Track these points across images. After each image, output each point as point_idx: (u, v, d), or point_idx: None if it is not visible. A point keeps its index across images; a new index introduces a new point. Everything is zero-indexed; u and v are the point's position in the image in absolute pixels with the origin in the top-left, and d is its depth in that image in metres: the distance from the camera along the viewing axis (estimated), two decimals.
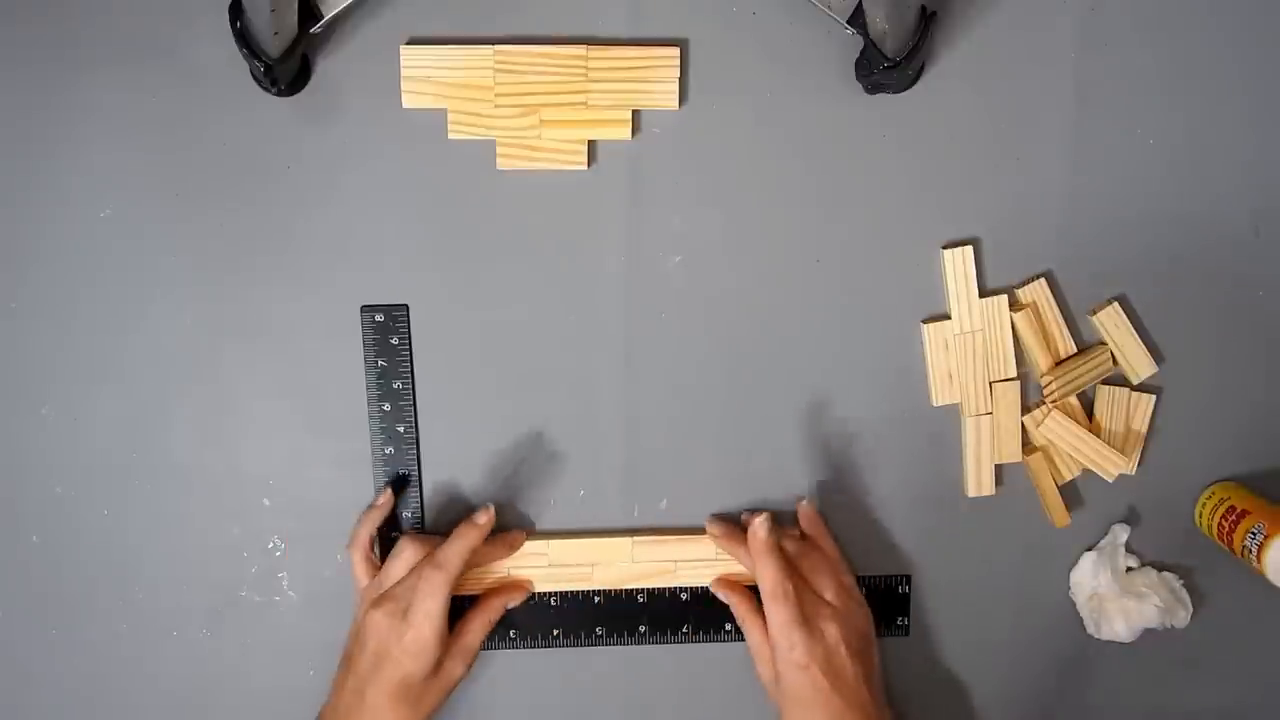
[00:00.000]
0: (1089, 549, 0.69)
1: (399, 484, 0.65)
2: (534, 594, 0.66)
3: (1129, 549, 0.69)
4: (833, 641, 0.60)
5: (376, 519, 0.64)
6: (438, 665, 0.60)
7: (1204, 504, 0.68)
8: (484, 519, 0.63)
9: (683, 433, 0.66)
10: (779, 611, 0.60)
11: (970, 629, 0.69)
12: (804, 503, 0.67)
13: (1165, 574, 0.69)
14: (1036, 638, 0.69)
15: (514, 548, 0.66)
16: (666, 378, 0.66)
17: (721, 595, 0.66)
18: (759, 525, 0.61)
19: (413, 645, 0.59)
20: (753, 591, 0.64)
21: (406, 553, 0.62)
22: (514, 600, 0.65)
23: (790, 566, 0.62)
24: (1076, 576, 0.68)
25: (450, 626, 0.61)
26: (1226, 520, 0.65)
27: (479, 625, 0.63)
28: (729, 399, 0.66)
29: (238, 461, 0.65)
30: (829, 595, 0.62)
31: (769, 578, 0.61)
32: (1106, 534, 0.69)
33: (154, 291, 0.63)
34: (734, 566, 0.66)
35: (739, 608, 0.65)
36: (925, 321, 0.66)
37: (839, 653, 0.60)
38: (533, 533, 0.67)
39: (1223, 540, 0.66)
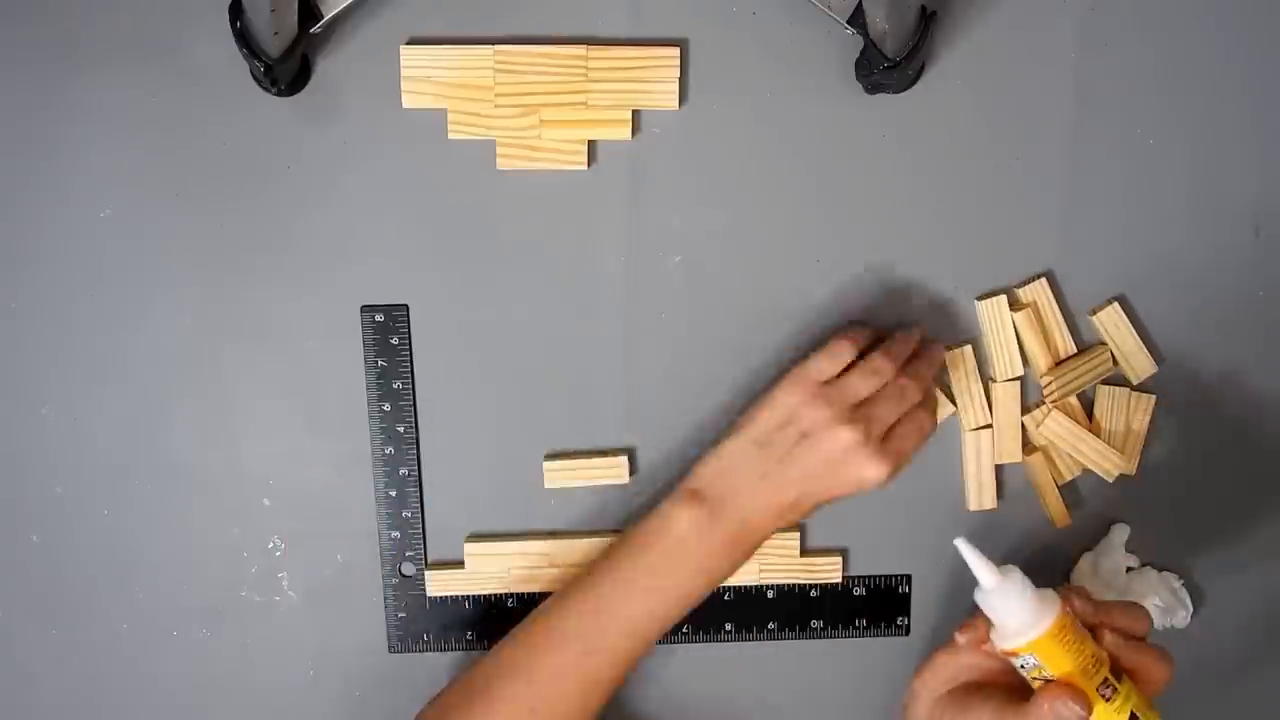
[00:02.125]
0: (1089, 549, 0.69)
1: (397, 498, 0.65)
2: (534, 594, 0.66)
3: (1129, 549, 0.69)
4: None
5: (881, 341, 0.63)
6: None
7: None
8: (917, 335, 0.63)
9: (683, 433, 0.66)
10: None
11: None
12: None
13: (1165, 574, 0.69)
14: None
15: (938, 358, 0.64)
16: (666, 377, 0.66)
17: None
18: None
19: (881, 478, 0.58)
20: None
21: (884, 369, 0.60)
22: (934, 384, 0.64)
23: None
24: (1076, 576, 0.68)
25: None
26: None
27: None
28: (729, 399, 0.66)
29: (238, 461, 0.65)
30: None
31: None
32: (1106, 534, 0.69)
33: (154, 291, 0.63)
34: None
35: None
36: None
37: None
38: (536, 532, 0.67)
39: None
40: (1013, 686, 0.55)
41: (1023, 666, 0.52)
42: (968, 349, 0.66)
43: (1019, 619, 0.52)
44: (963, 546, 0.53)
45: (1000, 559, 0.68)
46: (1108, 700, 0.50)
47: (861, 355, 0.61)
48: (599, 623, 0.60)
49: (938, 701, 0.58)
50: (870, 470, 0.58)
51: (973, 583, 0.54)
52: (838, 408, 0.59)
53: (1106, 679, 0.51)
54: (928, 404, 0.62)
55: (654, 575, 0.60)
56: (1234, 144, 0.66)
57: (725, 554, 0.60)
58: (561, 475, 0.66)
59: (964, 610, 0.69)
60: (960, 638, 0.57)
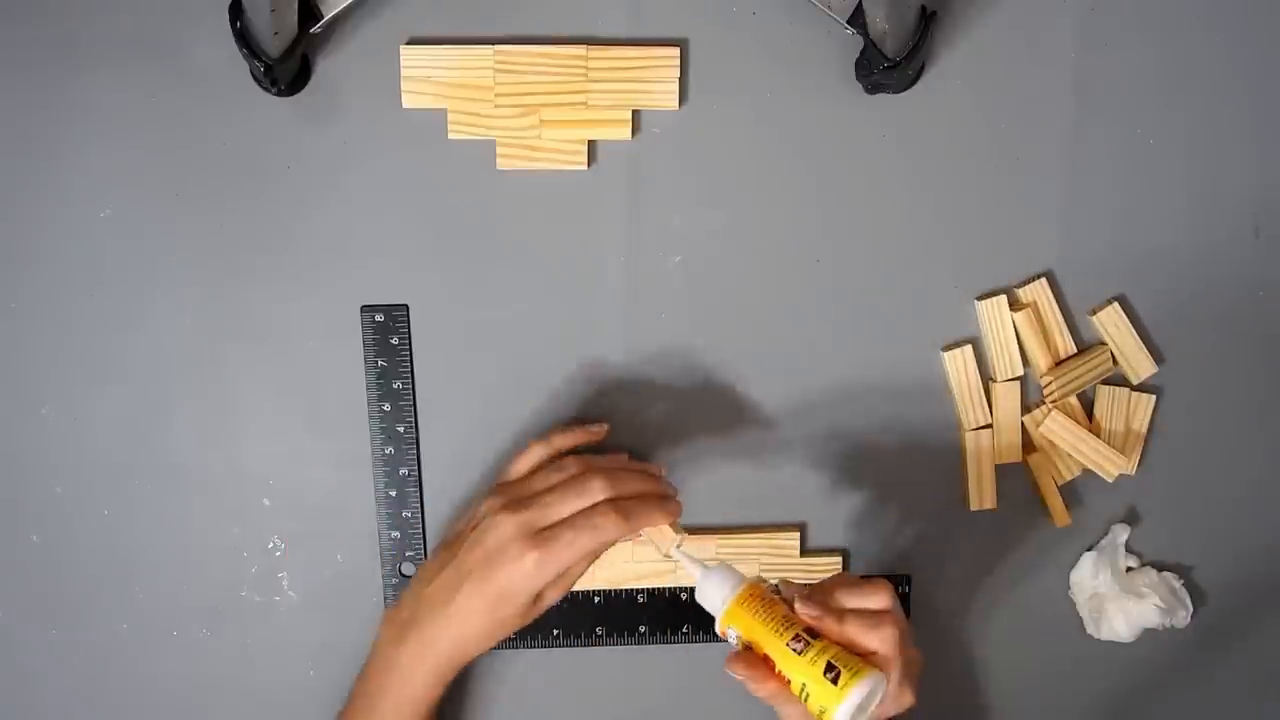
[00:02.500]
0: (1089, 549, 0.69)
1: (397, 498, 0.65)
2: None
3: (1129, 549, 0.69)
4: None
5: (577, 440, 0.62)
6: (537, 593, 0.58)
7: None
8: (676, 507, 0.59)
9: (683, 433, 0.66)
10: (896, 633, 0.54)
11: (970, 629, 0.69)
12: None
13: (1165, 574, 0.69)
14: (1036, 638, 0.69)
15: (670, 518, 0.59)
16: (666, 378, 0.66)
17: (741, 675, 0.55)
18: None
19: (532, 567, 0.55)
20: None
21: (570, 467, 0.58)
22: (646, 524, 0.59)
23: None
24: (1076, 576, 0.69)
25: None
26: None
27: (587, 562, 0.59)
28: (729, 399, 0.66)
29: (238, 461, 0.65)
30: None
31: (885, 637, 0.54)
32: (1106, 534, 0.69)
33: (154, 291, 0.63)
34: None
35: (766, 685, 0.55)
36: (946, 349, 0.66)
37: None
38: None
39: None
40: None
41: (735, 640, 0.56)
42: (968, 349, 0.66)
43: (713, 601, 0.56)
44: (677, 554, 0.58)
45: (1000, 559, 0.69)
46: (799, 654, 0.53)
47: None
48: None
49: None
50: (523, 563, 0.55)
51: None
52: (507, 498, 0.58)
53: (798, 635, 0.53)
54: (619, 508, 0.57)
55: (368, 708, 0.60)
56: (1234, 144, 0.66)
57: (417, 661, 0.58)
58: None
59: (964, 610, 0.69)
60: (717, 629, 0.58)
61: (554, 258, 0.64)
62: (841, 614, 0.54)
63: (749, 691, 0.54)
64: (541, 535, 0.56)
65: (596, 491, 0.57)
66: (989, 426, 0.67)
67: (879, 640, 0.54)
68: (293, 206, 0.63)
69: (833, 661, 0.52)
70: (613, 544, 0.57)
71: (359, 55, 0.62)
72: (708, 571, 0.57)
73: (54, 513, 0.65)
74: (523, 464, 0.61)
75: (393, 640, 0.59)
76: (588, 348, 0.65)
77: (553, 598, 0.59)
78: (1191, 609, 0.68)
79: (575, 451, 0.62)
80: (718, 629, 0.56)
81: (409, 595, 0.59)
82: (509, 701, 0.68)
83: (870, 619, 0.54)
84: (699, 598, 0.57)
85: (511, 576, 0.56)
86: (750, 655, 0.55)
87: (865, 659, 0.53)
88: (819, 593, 0.56)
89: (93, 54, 0.61)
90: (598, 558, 0.59)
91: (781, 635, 0.54)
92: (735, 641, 0.56)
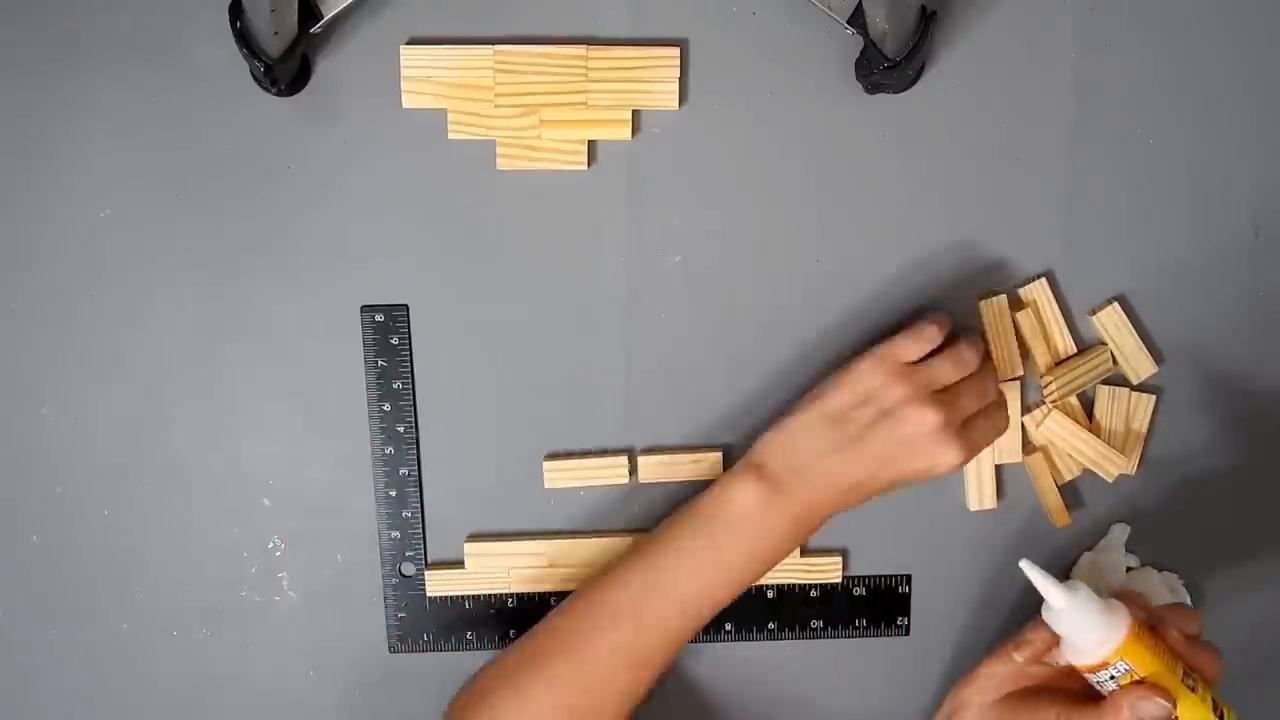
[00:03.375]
0: (1089, 549, 0.69)
1: (397, 498, 0.65)
2: (534, 594, 0.66)
3: (1129, 549, 0.69)
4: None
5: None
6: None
7: None
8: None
9: (683, 433, 0.66)
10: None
11: (970, 629, 0.69)
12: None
13: (1165, 574, 0.69)
14: None
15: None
16: (666, 377, 0.66)
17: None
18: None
19: (953, 462, 0.57)
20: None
21: (968, 357, 0.60)
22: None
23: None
24: (1076, 576, 0.68)
25: None
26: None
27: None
28: (729, 399, 0.66)
29: (238, 461, 0.65)
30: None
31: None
32: (1106, 534, 0.69)
33: (154, 291, 0.63)
34: None
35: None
36: None
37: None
38: (536, 532, 0.67)
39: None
40: (1074, 691, 0.57)
41: (1111, 677, 0.53)
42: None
43: (1095, 632, 0.53)
44: (1028, 568, 0.54)
45: (1000, 559, 0.68)
46: (1193, 691, 0.51)
47: (944, 345, 0.61)
48: (653, 599, 0.58)
49: (988, 710, 0.59)
50: (948, 455, 0.57)
51: (1035, 601, 0.55)
52: (922, 389, 0.58)
53: (1187, 671, 0.52)
54: (1002, 404, 0.62)
55: (712, 551, 0.58)
56: (1234, 144, 0.66)
57: (787, 533, 0.58)
58: (561, 475, 0.66)
59: (964, 610, 0.69)
60: (1019, 656, 0.58)
61: (554, 258, 0.64)
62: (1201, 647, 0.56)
63: None
64: (964, 428, 0.58)
65: (992, 390, 0.61)
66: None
67: (1215, 669, 0.55)
68: (293, 206, 0.63)
69: (1215, 700, 0.52)
70: None
71: (359, 55, 0.62)
72: (1077, 596, 0.53)
73: (54, 513, 0.65)
74: (918, 347, 0.60)
75: (767, 493, 0.57)
76: (588, 348, 0.65)
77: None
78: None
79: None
80: (1084, 660, 0.53)
81: (794, 459, 0.58)
82: None
83: (1212, 651, 0.56)
84: (1057, 622, 0.54)
85: (932, 465, 0.57)
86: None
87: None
88: (1185, 622, 0.57)
89: (93, 54, 0.61)
90: None
91: (1175, 672, 0.52)
92: (1116, 675, 0.52)
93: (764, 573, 0.59)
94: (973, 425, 0.59)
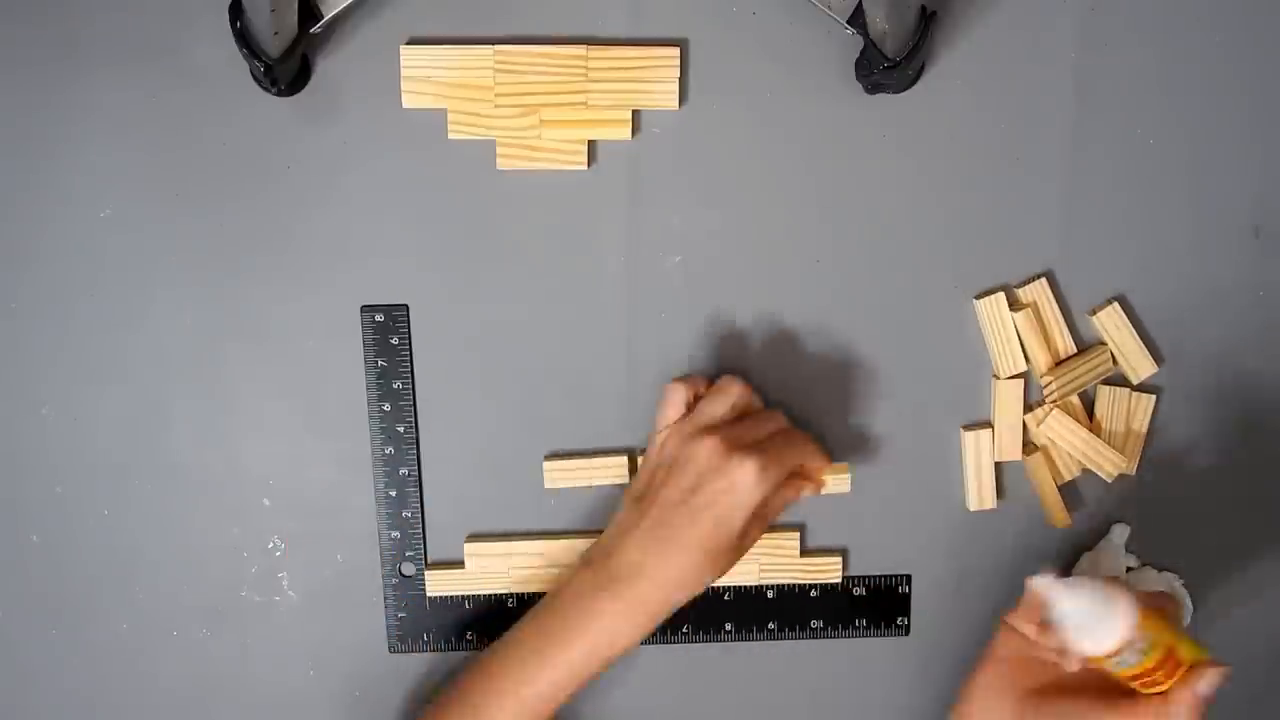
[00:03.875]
0: (1089, 549, 0.69)
1: (397, 498, 0.65)
2: (534, 594, 0.66)
3: (1129, 549, 0.69)
4: None
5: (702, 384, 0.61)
6: (746, 520, 0.55)
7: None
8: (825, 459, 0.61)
9: None
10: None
11: (970, 629, 0.69)
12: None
13: (1165, 574, 0.69)
14: None
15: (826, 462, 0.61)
16: (667, 378, 0.66)
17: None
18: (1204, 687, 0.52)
19: (754, 474, 0.54)
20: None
21: (735, 389, 0.59)
22: (812, 489, 0.61)
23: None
24: (1076, 576, 0.68)
25: None
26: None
27: (786, 496, 0.59)
28: None
29: (238, 461, 0.65)
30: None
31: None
32: (1106, 534, 0.69)
33: (154, 291, 0.63)
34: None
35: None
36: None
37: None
38: (536, 532, 0.67)
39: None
40: (1092, 691, 0.55)
41: (1138, 649, 0.52)
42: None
43: (1112, 616, 0.52)
44: (1038, 584, 0.53)
45: (1000, 559, 0.68)
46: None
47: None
48: (500, 697, 0.57)
49: (1018, 706, 0.56)
50: (743, 470, 0.55)
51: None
52: (693, 428, 0.58)
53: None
54: (793, 431, 0.59)
55: (550, 641, 0.57)
56: (1234, 144, 0.66)
57: (623, 627, 0.56)
58: (561, 476, 0.66)
59: (964, 610, 0.69)
60: (1025, 627, 0.56)
61: (554, 258, 0.64)
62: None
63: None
64: (755, 444, 0.55)
65: (781, 419, 0.59)
66: (989, 426, 0.67)
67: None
68: (293, 206, 0.63)
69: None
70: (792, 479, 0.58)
71: (359, 55, 0.62)
72: (1098, 586, 0.52)
73: (54, 513, 0.65)
74: (674, 407, 0.60)
75: (597, 587, 0.56)
76: (588, 348, 0.65)
77: (756, 535, 0.57)
78: (1191, 609, 0.68)
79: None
80: (1121, 641, 0.51)
81: (611, 544, 0.57)
82: None
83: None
84: (1070, 621, 0.52)
85: (735, 491, 0.54)
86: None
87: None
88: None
89: (93, 54, 0.61)
90: (796, 494, 0.59)
91: (1174, 628, 0.52)
92: (1141, 647, 0.52)
93: (610, 661, 0.57)
94: (767, 443, 0.57)
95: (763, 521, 0.58)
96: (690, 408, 0.61)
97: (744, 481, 0.55)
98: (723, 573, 0.57)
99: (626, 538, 0.57)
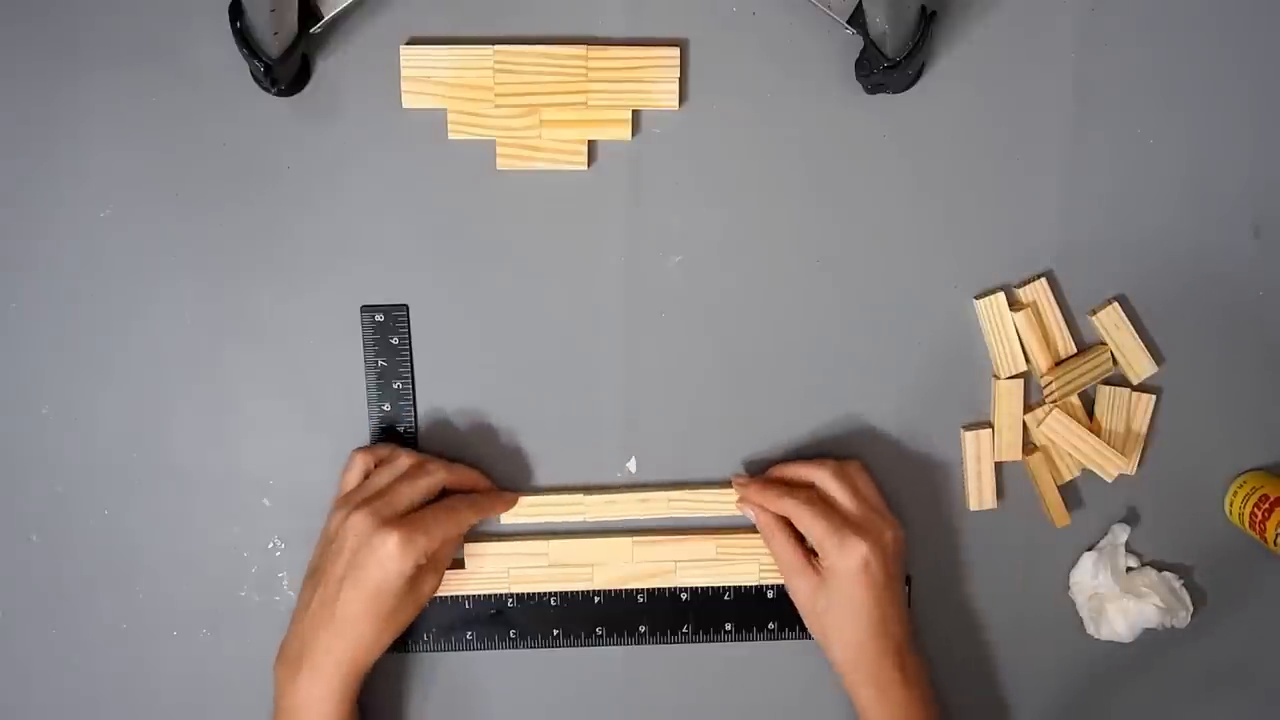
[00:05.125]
0: (1089, 549, 0.69)
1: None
2: (534, 594, 0.66)
3: (1129, 549, 0.69)
4: (886, 542, 0.61)
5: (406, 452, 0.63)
6: (413, 580, 0.59)
7: (1235, 493, 0.68)
8: (513, 498, 0.64)
9: (683, 433, 0.66)
10: (824, 518, 0.61)
11: (970, 629, 0.69)
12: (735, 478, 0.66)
13: (1165, 574, 0.69)
14: (1036, 638, 0.69)
15: (509, 506, 0.65)
16: (666, 378, 0.66)
17: (748, 511, 0.65)
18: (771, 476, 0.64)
19: (396, 548, 0.57)
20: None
21: (401, 462, 0.61)
22: (495, 511, 0.64)
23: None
24: (1076, 576, 0.69)
25: None
26: (1259, 510, 0.65)
27: (453, 546, 0.63)
28: (729, 399, 0.66)
29: (238, 461, 0.65)
30: (850, 504, 0.62)
31: (801, 496, 0.62)
32: (1106, 534, 0.69)
33: (154, 291, 0.63)
34: (734, 566, 0.66)
35: (762, 517, 0.64)
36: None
37: (889, 554, 0.61)
38: (536, 532, 0.67)
39: (1254, 530, 0.66)
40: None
41: None
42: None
43: None
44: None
45: (1000, 559, 0.68)
46: None
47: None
48: None
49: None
50: (385, 545, 0.57)
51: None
52: (352, 502, 0.59)
53: None
54: (467, 497, 0.61)
55: None
56: (1233, 144, 0.66)
57: (315, 687, 0.58)
58: (527, 510, 0.66)
59: (964, 610, 0.69)
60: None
61: (554, 258, 0.64)
62: None
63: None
64: (399, 519, 0.58)
65: (440, 475, 0.60)
66: (989, 426, 0.67)
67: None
68: (293, 206, 0.63)
69: None
70: (468, 529, 0.60)
71: (359, 55, 0.62)
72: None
73: (54, 513, 0.65)
74: (352, 475, 0.62)
75: (289, 678, 0.59)
76: (588, 348, 0.65)
77: (433, 584, 0.61)
78: (1191, 609, 0.68)
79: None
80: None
81: (291, 633, 0.60)
82: (509, 701, 0.68)
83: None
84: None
85: (382, 565, 0.57)
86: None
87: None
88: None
89: (93, 54, 0.61)
90: (460, 540, 0.63)
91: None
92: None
93: None
94: (414, 516, 0.59)
95: (435, 574, 0.62)
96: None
97: (389, 554, 0.57)
98: (403, 626, 0.60)
99: (302, 619, 0.60)
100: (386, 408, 0.65)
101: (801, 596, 0.63)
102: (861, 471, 0.65)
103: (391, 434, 0.65)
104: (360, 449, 0.63)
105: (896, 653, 0.62)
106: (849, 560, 0.60)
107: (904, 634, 0.62)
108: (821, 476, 0.63)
